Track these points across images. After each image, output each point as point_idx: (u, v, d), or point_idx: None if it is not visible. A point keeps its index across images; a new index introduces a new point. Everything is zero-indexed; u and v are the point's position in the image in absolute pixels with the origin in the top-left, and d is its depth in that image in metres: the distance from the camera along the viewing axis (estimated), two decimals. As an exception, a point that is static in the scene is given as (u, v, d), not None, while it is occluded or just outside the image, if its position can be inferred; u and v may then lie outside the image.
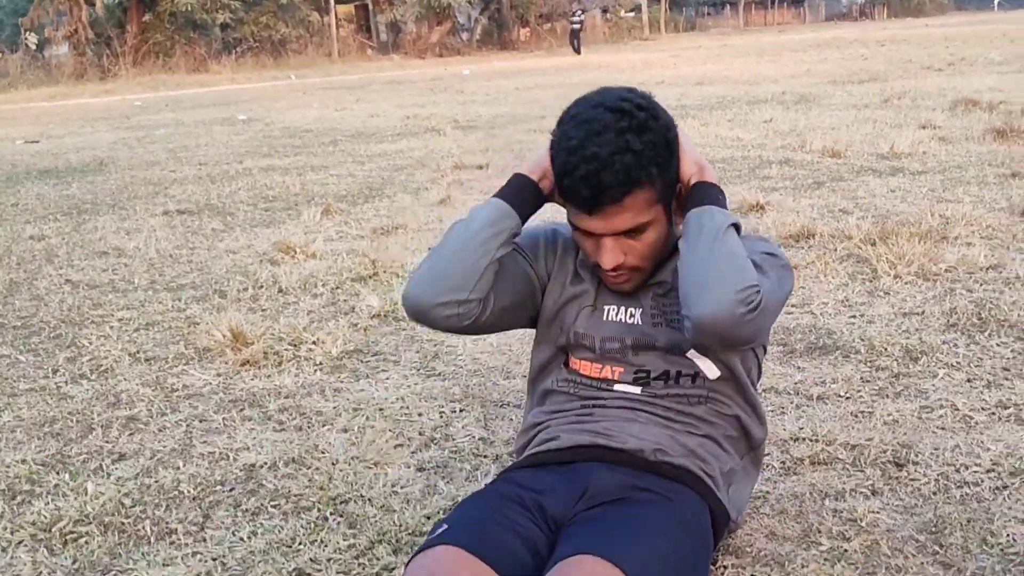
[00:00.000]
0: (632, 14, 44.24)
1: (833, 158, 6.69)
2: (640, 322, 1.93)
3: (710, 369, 1.91)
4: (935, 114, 8.57)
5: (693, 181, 1.83)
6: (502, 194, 1.90)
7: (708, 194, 1.82)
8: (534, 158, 1.92)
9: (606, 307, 1.95)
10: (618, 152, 1.73)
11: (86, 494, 2.40)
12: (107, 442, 2.75)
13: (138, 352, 3.53)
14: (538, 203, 1.91)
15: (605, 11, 42.75)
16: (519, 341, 3.41)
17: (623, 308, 1.94)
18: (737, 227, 1.80)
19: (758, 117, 9.38)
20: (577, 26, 32.15)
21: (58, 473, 2.56)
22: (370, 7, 40.56)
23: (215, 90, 22.22)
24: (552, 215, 2.09)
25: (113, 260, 5.09)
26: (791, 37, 31.35)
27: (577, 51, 31.17)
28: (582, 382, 1.97)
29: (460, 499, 2.12)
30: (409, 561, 1.67)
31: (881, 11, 63.67)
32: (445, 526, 1.71)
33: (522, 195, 1.89)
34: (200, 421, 2.87)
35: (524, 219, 1.90)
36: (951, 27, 26.57)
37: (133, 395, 3.11)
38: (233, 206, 6.62)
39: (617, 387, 1.94)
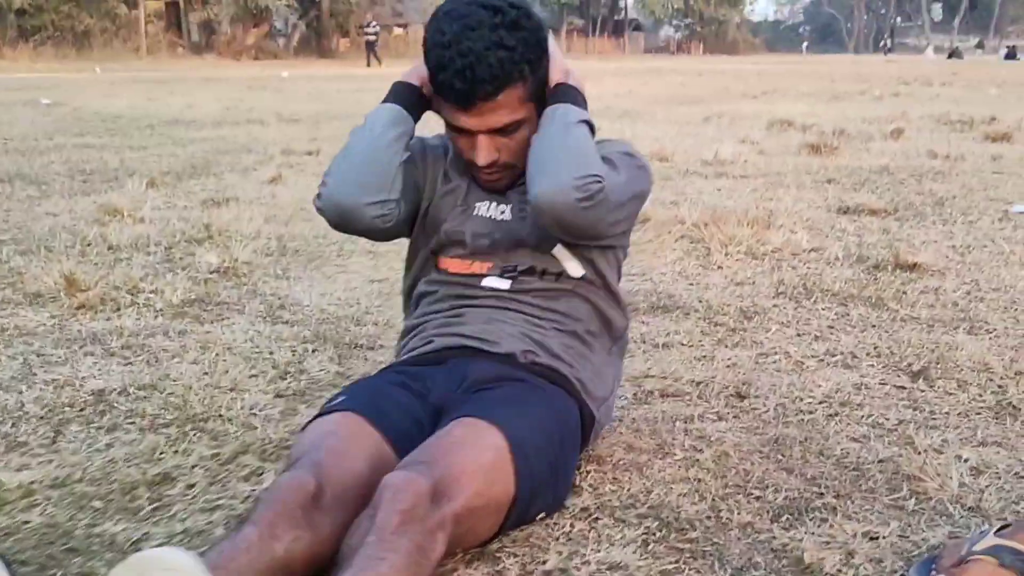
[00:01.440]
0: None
1: (660, 162, 6.95)
2: (509, 218, 1.98)
3: (574, 268, 1.99)
4: (753, 131, 9.04)
5: (557, 81, 1.90)
6: (390, 100, 1.93)
7: (568, 94, 1.90)
8: (414, 66, 1.96)
9: (476, 204, 2.01)
10: (492, 47, 1.76)
11: (-81, 413, 2.27)
12: (-64, 371, 2.60)
13: (-41, 296, 3.35)
14: (423, 108, 1.95)
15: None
16: (367, 296, 3.42)
17: (493, 204, 2.00)
18: (591, 126, 1.88)
19: (581, 126, 9.64)
20: (372, 37, 33.02)
21: None
22: (181, 5, 39.38)
23: (12, 76, 21.10)
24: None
25: (-82, 218, 4.78)
26: (612, 65, 32.37)
27: (370, 63, 31.84)
28: (451, 280, 2.01)
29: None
30: (306, 425, 1.67)
31: (697, 47, 66.90)
32: (343, 396, 1.73)
33: (409, 100, 1.93)
34: (38, 355, 2.74)
35: (415, 122, 1.94)
36: (764, 65, 28.06)
37: (-42, 333, 2.94)
38: (48, 176, 6.33)
39: (485, 282, 1.98)
